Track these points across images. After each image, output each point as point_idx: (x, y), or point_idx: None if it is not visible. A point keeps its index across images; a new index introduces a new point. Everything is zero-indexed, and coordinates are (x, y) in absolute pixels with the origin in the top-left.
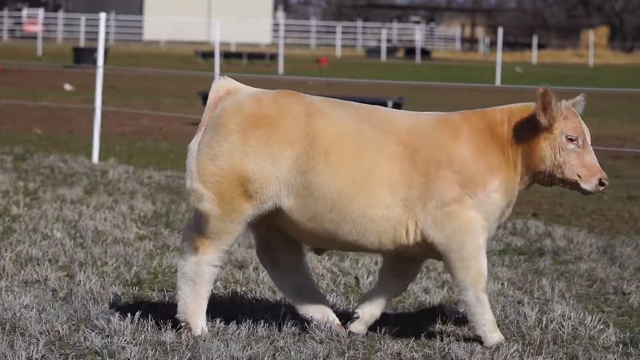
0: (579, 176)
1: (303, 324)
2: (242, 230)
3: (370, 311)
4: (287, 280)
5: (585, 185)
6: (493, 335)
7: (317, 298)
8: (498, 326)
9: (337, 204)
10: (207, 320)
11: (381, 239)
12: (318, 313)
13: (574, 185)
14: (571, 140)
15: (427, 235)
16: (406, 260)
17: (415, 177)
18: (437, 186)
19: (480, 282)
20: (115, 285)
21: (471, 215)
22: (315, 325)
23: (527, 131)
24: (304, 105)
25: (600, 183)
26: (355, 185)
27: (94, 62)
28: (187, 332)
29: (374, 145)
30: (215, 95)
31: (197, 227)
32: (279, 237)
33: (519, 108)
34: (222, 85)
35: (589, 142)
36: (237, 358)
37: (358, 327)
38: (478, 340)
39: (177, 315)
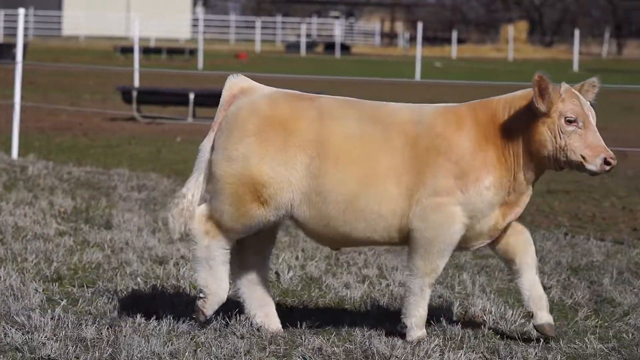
0: (583, 157)
1: (224, 319)
2: (255, 229)
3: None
4: (244, 276)
5: (589, 166)
6: (417, 331)
7: (267, 301)
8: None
9: (349, 205)
10: (127, 316)
11: (390, 232)
12: (263, 315)
13: (580, 167)
14: (570, 122)
15: (410, 221)
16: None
17: (417, 165)
18: (433, 174)
19: (431, 276)
20: (36, 281)
21: (455, 212)
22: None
23: (527, 118)
24: (316, 109)
25: (606, 162)
26: (363, 184)
27: (13, 57)
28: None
29: (378, 140)
30: (229, 94)
31: (209, 214)
32: (253, 235)
33: (519, 95)
34: (236, 83)
35: (593, 122)
36: (158, 354)
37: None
38: (400, 333)
39: (199, 291)
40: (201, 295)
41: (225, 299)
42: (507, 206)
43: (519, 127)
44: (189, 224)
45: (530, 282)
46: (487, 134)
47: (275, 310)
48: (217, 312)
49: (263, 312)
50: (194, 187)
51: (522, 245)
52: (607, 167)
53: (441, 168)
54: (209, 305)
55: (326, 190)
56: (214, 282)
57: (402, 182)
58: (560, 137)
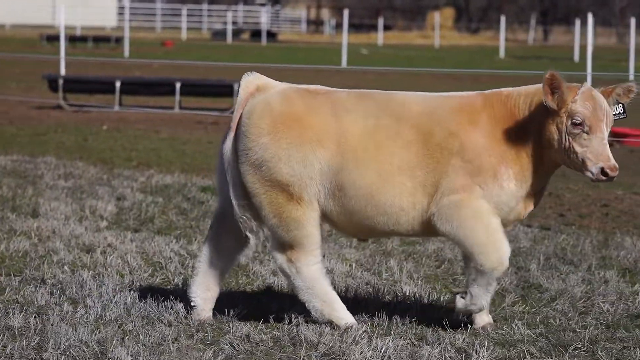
0: (583, 162)
1: (151, 307)
2: (316, 229)
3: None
4: (213, 262)
5: (587, 172)
6: (485, 317)
7: (213, 288)
8: (347, 307)
9: (370, 199)
10: (55, 304)
11: (413, 225)
12: (202, 298)
13: (580, 171)
14: (576, 124)
15: (434, 223)
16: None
17: (430, 163)
18: (448, 174)
19: (498, 269)
20: None
21: (479, 204)
22: (194, 307)
23: (541, 113)
24: (331, 104)
25: (603, 172)
26: (381, 177)
27: None
28: (336, 328)
29: (391, 134)
30: (245, 92)
31: (276, 243)
32: (235, 227)
33: (537, 89)
34: (251, 81)
35: (604, 129)
36: (86, 342)
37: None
38: (330, 324)
39: (320, 321)
40: (320, 321)
41: (343, 311)
42: (529, 197)
43: (538, 121)
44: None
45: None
46: (505, 127)
47: (214, 301)
48: (143, 299)
49: (204, 295)
50: (236, 202)
51: None
52: (604, 178)
53: (456, 168)
54: (336, 321)
55: (347, 185)
56: (323, 303)
57: (416, 177)
58: (565, 138)
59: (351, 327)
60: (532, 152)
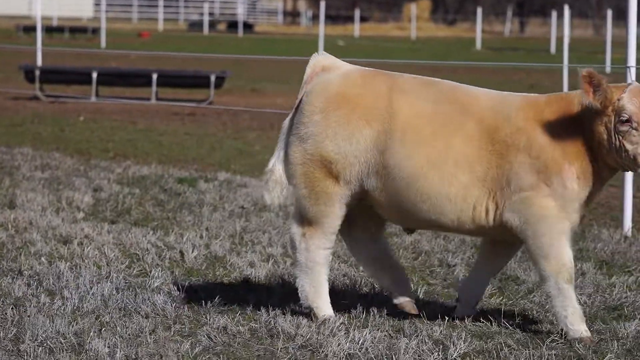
0: (635, 159)
1: (129, 299)
2: (341, 211)
3: (472, 292)
4: (363, 253)
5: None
6: (577, 327)
7: (396, 273)
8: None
9: (413, 182)
10: (32, 296)
11: (460, 217)
12: (395, 287)
13: (634, 170)
14: (623, 122)
15: (505, 219)
16: (501, 241)
17: (494, 159)
18: (514, 170)
19: (562, 272)
20: None
21: (547, 203)
22: (395, 299)
23: (591, 115)
24: (387, 84)
25: None
26: (429, 164)
27: None
28: (314, 317)
29: (451, 124)
30: (311, 71)
31: (298, 215)
32: (358, 212)
33: None
34: (319, 61)
35: None
36: (63, 333)
37: (463, 310)
38: (305, 314)
39: (301, 302)
40: (306, 310)
41: (325, 304)
42: (583, 204)
43: (589, 123)
44: (284, 196)
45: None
46: (565, 127)
47: (408, 283)
48: (120, 292)
49: (397, 286)
50: (278, 162)
51: None
52: None
53: (523, 165)
54: (319, 315)
55: (391, 165)
56: (311, 288)
57: (474, 171)
58: (614, 137)
59: (328, 319)
60: (588, 154)
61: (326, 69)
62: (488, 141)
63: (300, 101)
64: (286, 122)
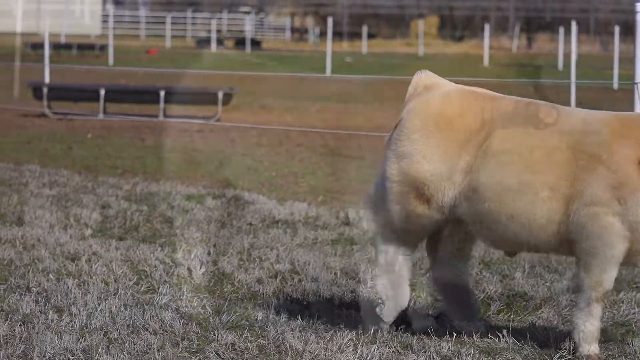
0: None
1: (137, 315)
2: (429, 231)
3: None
4: (443, 279)
5: None
6: (587, 346)
7: (468, 307)
8: (332, 315)
9: (502, 205)
10: (40, 312)
11: (551, 239)
12: (462, 315)
13: None
14: None
15: (569, 231)
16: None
17: (575, 171)
18: (590, 182)
19: (598, 291)
20: None
21: (613, 222)
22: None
23: None
24: (487, 106)
25: None
26: (520, 186)
27: None
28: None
29: (540, 143)
30: (413, 90)
31: (385, 222)
32: (450, 237)
33: None
34: (421, 79)
35: None
36: (71, 350)
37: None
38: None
39: (376, 296)
40: (379, 301)
41: (405, 306)
42: None
43: None
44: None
45: None
46: None
47: (475, 307)
48: (128, 308)
49: (463, 313)
50: None
51: None
52: None
53: (599, 177)
54: (387, 312)
55: (481, 187)
56: (392, 288)
57: (558, 189)
58: None
59: (381, 329)
60: None
61: (428, 88)
62: (572, 157)
63: (401, 119)
64: (388, 136)
